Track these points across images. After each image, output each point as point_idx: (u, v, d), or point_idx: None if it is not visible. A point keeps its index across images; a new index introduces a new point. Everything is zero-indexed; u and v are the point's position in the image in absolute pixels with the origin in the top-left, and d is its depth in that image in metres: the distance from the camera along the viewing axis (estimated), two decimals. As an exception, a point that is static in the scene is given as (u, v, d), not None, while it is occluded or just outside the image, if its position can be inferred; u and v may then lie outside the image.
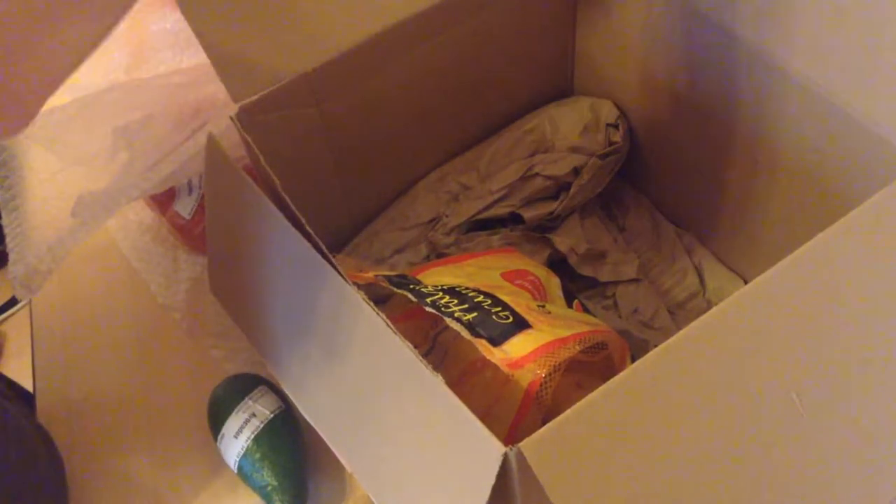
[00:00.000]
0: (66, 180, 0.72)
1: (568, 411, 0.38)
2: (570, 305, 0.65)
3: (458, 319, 0.53)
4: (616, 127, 0.75)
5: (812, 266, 0.45)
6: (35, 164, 0.75)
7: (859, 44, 0.52)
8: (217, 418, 0.67)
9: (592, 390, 0.40)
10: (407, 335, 0.45)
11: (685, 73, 0.65)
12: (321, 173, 0.68)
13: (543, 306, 0.60)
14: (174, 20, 0.77)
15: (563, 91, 0.80)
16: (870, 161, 0.53)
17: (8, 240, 0.68)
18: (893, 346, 0.44)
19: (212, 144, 0.55)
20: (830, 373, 0.43)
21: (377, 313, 0.45)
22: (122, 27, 0.79)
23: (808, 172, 0.59)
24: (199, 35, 0.55)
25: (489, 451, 0.38)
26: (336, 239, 0.75)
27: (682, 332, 0.42)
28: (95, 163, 0.69)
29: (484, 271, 0.63)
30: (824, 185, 0.59)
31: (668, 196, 0.77)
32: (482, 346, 0.52)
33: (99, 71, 0.78)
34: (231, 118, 0.56)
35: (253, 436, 0.65)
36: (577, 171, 0.74)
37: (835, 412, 0.43)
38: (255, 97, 0.57)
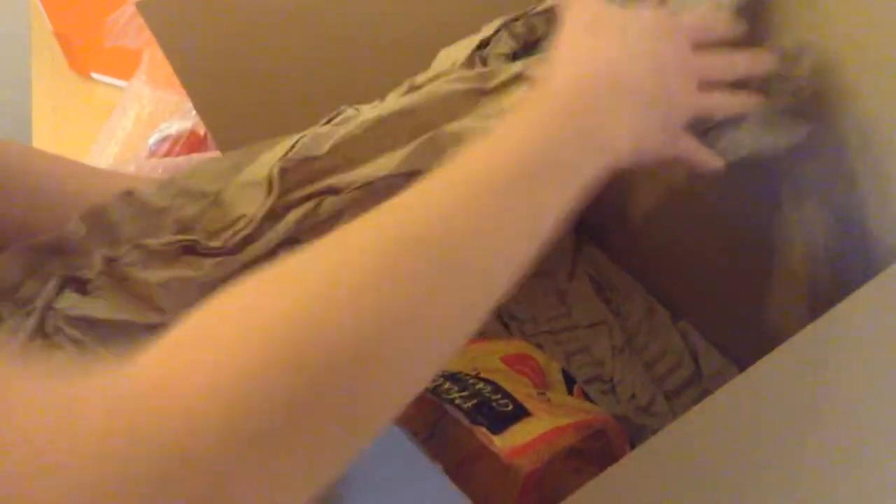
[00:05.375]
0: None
1: (565, 501, 0.39)
2: (570, 391, 0.65)
3: (459, 407, 0.54)
4: None
5: (806, 354, 0.45)
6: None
7: (841, 140, 0.54)
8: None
9: (591, 476, 0.40)
10: (408, 421, 0.46)
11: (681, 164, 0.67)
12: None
13: (544, 393, 0.60)
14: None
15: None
16: (858, 252, 0.54)
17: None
18: (888, 434, 0.45)
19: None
20: (826, 461, 0.43)
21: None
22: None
23: (799, 260, 0.60)
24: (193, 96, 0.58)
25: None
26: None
27: (679, 420, 0.42)
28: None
29: (485, 356, 0.64)
30: (815, 273, 0.60)
31: (662, 282, 0.78)
32: (482, 433, 0.52)
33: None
34: None
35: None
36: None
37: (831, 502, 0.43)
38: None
